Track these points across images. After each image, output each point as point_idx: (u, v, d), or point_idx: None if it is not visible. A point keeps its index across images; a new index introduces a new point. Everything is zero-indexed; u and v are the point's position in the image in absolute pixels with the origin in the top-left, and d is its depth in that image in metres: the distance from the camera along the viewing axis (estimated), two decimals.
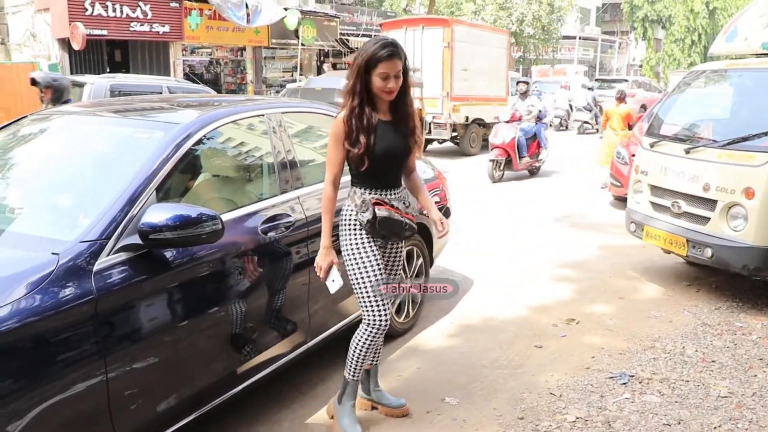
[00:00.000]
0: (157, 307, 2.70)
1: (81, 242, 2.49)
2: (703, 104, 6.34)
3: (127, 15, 17.27)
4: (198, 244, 2.75)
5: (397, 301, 3.94)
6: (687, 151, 5.46)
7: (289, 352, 3.50)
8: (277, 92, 21.48)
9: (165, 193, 2.87)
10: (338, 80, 12.03)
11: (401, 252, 3.42)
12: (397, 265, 3.40)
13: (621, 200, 9.60)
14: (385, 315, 3.16)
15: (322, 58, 25.48)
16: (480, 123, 16.18)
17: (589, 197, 10.51)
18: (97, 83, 9.84)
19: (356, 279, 3.14)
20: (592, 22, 46.52)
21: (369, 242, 3.14)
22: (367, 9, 27.65)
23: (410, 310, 4.72)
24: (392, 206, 3.11)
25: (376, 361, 3.57)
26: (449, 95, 15.14)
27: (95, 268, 2.45)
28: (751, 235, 4.94)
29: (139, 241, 2.59)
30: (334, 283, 3.14)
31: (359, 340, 3.22)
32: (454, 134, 15.78)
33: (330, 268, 3.12)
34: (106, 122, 3.54)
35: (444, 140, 16.00)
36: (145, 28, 17.77)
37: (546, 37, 33.97)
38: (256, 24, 19.75)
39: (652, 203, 5.85)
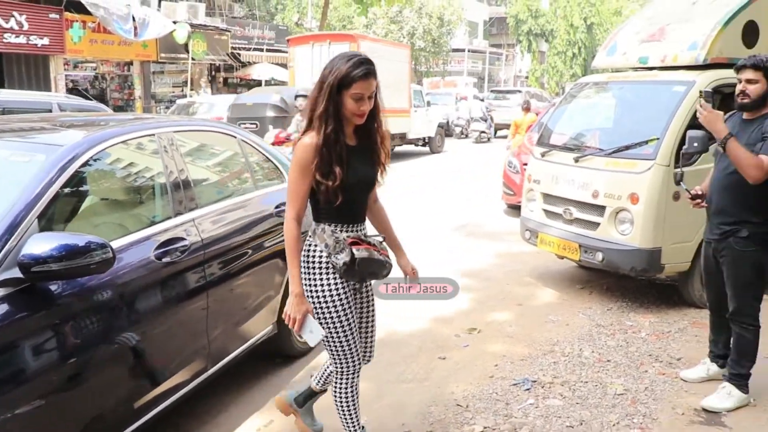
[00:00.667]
0: (43, 346, 2.49)
1: None
2: (589, 114, 6.62)
3: None
4: (87, 275, 2.57)
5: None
6: (576, 160, 5.67)
7: (189, 382, 3.34)
8: (167, 108, 20.88)
9: (48, 221, 2.66)
10: (268, 95, 12.21)
11: (371, 290, 3.10)
12: (371, 305, 3.08)
13: (514, 208, 9.88)
14: (358, 358, 2.90)
15: (213, 72, 24.97)
16: None
17: (485, 206, 10.76)
18: None
19: (329, 329, 2.80)
20: (480, 35, 48.03)
21: (343, 286, 2.79)
22: (259, 23, 27.37)
23: None
24: (369, 244, 2.80)
25: (325, 387, 3.31)
26: None
27: None
28: (638, 238, 5.18)
29: (20, 275, 2.38)
30: (312, 335, 2.75)
31: (339, 393, 2.94)
32: None
33: (305, 318, 2.74)
34: None
35: None
36: (21, 40, 16.72)
37: (436, 50, 34.73)
38: (143, 37, 19.08)
39: (545, 211, 6.04)
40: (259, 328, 4.02)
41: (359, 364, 2.92)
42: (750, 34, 5.49)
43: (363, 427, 3.08)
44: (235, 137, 4.21)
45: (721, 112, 3.59)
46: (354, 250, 2.72)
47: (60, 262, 2.41)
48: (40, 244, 2.41)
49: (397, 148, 18.82)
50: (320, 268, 2.77)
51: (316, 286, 2.78)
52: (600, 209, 5.43)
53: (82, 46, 18.59)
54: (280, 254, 4.14)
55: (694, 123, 5.13)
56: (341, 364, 2.88)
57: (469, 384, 4.18)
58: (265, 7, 30.46)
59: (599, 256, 5.39)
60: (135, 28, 18.62)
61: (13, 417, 2.31)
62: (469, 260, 7.20)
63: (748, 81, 3.59)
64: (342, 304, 2.79)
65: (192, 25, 21.03)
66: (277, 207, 4.17)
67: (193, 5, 22.69)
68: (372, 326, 3.11)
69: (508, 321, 5.35)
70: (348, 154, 2.70)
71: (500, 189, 10.15)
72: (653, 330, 5.11)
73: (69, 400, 2.60)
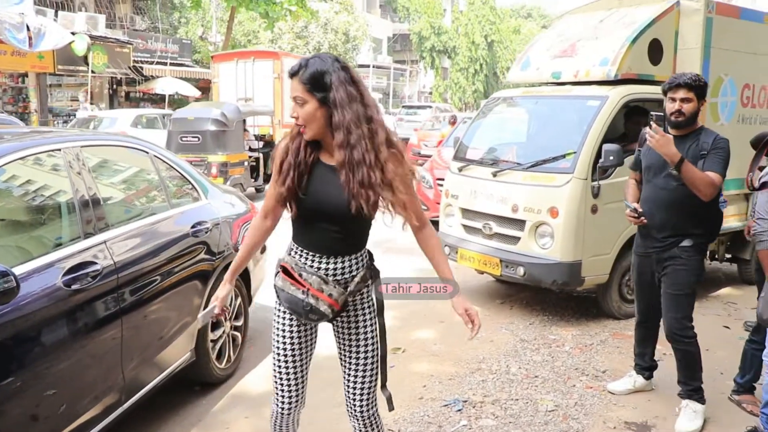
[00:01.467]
0: None
1: None
2: (505, 129, 6.67)
3: None
4: None
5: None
6: (494, 174, 5.66)
7: (102, 418, 3.02)
8: (65, 122, 19.83)
9: None
10: (209, 110, 12.15)
11: (364, 325, 2.60)
12: (360, 341, 2.59)
13: None
14: (283, 402, 2.55)
15: (114, 86, 23.97)
16: None
17: (397, 221, 10.66)
18: None
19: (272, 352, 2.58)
20: (384, 51, 48.47)
21: (284, 311, 2.54)
22: (162, 36, 26.47)
23: (231, 354, 4.40)
24: (300, 276, 2.40)
25: None
26: (281, 123, 15.59)
27: None
28: (558, 252, 5.21)
29: None
30: (200, 317, 2.74)
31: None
32: None
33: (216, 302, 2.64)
34: None
35: None
36: None
37: None
38: (39, 48, 18.00)
39: (464, 226, 6.00)
40: (176, 355, 3.73)
41: (283, 409, 2.57)
42: (655, 51, 5.66)
43: None
44: (147, 152, 3.91)
45: (671, 136, 3.60)
46: (275, 276, 2.50)
47: None
48: None
49: None
50: (274, 287, 2.55)
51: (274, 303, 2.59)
52: (520, 223, 5.44)
53: None
54: (199, 276, 3.91)
55: (609, 137, 5.26)
56: (272, 398, 2.61)
57: (398, 407, 4.01)
58: (168, 21, 29.55)
59: (521, 270, 5.38)
60: (30, 38, 17.57)
61: None
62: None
63: (683, 100, 3.64)
64: (279, 331, 2.54)
65: (92, 37, 20.06)
66: (193, 227, 3.91)
67: (93, 16, 21.70)
68: (356, 369, 2.60)
69: (432, 339, 5.25)
70: (317, 168, 2.38)
71: None
72: (576, 343, 5.13)
73: None
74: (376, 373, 2.60)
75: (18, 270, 2.51)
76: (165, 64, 24.89)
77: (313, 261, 2.43)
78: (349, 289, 2.45)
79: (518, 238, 5.45)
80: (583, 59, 5.76)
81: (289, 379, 2.55)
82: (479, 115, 6.70)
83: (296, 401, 2.59)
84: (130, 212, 3.68)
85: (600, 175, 5.20)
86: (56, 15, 20.08)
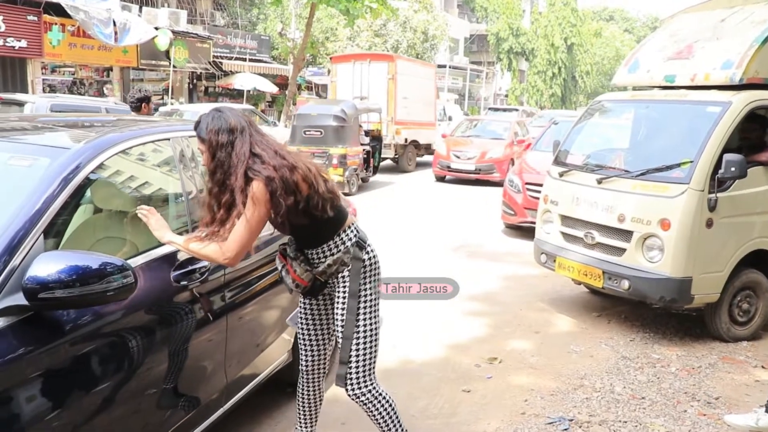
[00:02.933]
0: (47, 388, 2.07)
1: None
2: (610, 134, 6.35)
3: None
4: (103, 303, 2.17)
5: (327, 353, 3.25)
6: (599, 181, 5.37)
7: (202, 419, 2.93)
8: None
9: (56, 237, 2.26)
10: (330, 107, 13.83)
11: (335, 304, 2.94)
12: (335, 313, 2.94)
13: (513, 228, 9.62)
14: (305, 361, 3.13)
15: (194, 80, 24.45)
16: (415, 144, 18.90)
17: (482, 224, 10.45)
18: (38, 102, 9.95)
19: None
20: (461, 52, 47.98)
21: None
22: (241, 32, 26.90)
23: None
24: (285, 257, 2.87)
25: (305, 428, 3.26)
26: (393, 120, 17.49)
27: None
28: (668, 267, 4.89)
29: (24, 302, 1.98)
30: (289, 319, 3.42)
31: None
32: (395, 155, 18.15)
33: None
34: None
35: (386, 158, 17.72)
36: None
37: None
38: (124, 43, 18.53)
39: (564, 234, 5.73)
40: (275, 356, 3.63)
41: (304, 366, 3.13)
42: None
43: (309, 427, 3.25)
44: None
45: None
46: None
47: (70, 288, 2.01)
48: (48, 266, 2.02)
49: (425, 157, 20.16)
50: None
51: None
52: (626, 234, 5.13)
53: (61, 50, 18.02)
54: None
55: (730, 147, 4.91)
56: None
57: (501, 421, 3.83)
58: (247, 17, 30.00)
59: (625, 283, 5.08)
60: (115, 33, 18.09)
61: None
62: (476, 283, 6.84)
63: None
64: (299, 305, 3.10)
65: (174, 32, 20.51)
66: None
67: (175, 12, 22.19)
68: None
69: (528, 350, 5.01)
70: None
71: (499, 206, 9.84)
72: (682, 364, 4.81)
73: None
74: (356, 353, 2.85)
75: (131, 264, 2.40)
76: (244, 59, 25.27)
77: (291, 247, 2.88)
78: (315, 270, 2.82)
79: (624, 250, 5.15)
80: (701, 62, 5.39)
81: (305, 342, 3.10)
82: (582, 118, 6.40)
83: (312, 363, 3.11)
84: None
85: (718, 187, 4.86)
86: (140, 10, 20.61)
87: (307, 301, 3.05)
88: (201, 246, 2.58)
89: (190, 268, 2.80)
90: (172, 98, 21.20)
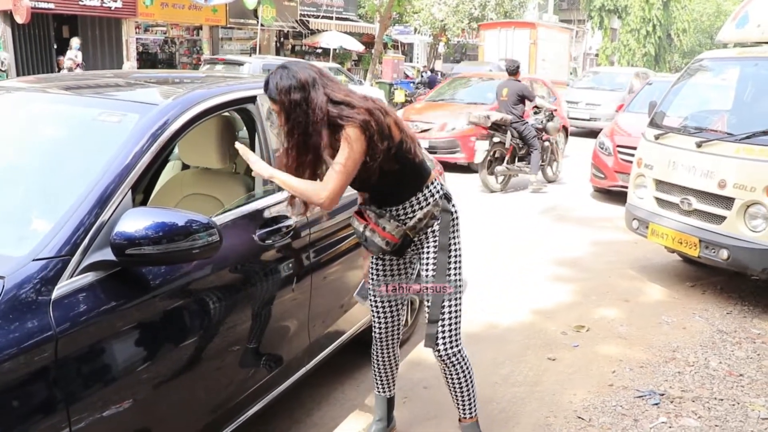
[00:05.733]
0: (134, 342, 2.11)
1: (35, 260, 1.90)
2: (711, 95, 5.97)
3: None
4: (189, 261, 2.18)
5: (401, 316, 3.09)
6: (699, 145, 5.05)
7: (285, 377, 2.95)
8: None
9: (144, 193, 2.28)
10: (481, 68, 16.36)
11: (421, 260, 2.80)
12: (424, 272, 2.80)
13: (602, 192, 9.28)
14: (378, 328, 2.97)
15: (281, 39, 24.65)
16: None
17: (570, 187, 10.15)
18: (254, 62, 12.45)
19: None
20: (550, 9, 46.33)
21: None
22: None
23: (408, 318, 4.22)
24: (364, 212, 2.74)
25: (384, 391, 3.14)
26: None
27: (54, 295, 1.87)
28: None
29: (113, 258, 2.00)
30: (357, 294, 3.11)
31: None
32: None
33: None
34: (62, 101, 2.85)
35: None
36: (96, 2, 16.74)
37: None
38: (213, 2, 18.82)
39: (658, 199, 5.45)
40: (356, 318, 3.61)
41: (378, 332, 2.97)
42: None
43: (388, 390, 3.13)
44: None
45: None
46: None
47: (158, 244, 2.01)
48: (136, 221, 2.02)
49: None
50: None
51: None
52: (727, 201, 4.83)
53: (154, 9, 18.49)
54: None
55: None
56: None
57: (587, 392, 3.70)
58: None
59: (724, 253, 4.80)
60: None
61: (101, 420, 1.95)
62: (563, 248, 6.65)
63: None
64: (371, 268, 2.90)
65: None
66: None
67: None
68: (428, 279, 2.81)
69: (617, 319, 4.82)
70: None
71: (588, 170, 9.49)
72: None
73: (163, 401, 2.24)
74: (449, 311, 2.72)
75: (215, 221, 2.39)
76: (330, 18, 25.24)
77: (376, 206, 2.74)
78: (407, 225, 2.66)
79: (723, 218, 4.84)
80: None
81: (377, 309, 2.92)
82: (681, 77, 6.02)
83: (387, 330, 2.96)
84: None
85: None
86: None
87: (380, 264, 2.88)
88: (301, 183, 2.47)
89: (275, 226, 2.79)
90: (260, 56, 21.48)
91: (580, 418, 3.42)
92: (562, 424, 3.36)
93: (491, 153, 9.19)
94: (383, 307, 2.92)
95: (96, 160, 2.24)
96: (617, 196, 8.33)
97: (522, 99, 9.48)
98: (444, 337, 2.72)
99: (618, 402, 3.60)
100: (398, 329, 3.02)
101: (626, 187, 6.08)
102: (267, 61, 12.19)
